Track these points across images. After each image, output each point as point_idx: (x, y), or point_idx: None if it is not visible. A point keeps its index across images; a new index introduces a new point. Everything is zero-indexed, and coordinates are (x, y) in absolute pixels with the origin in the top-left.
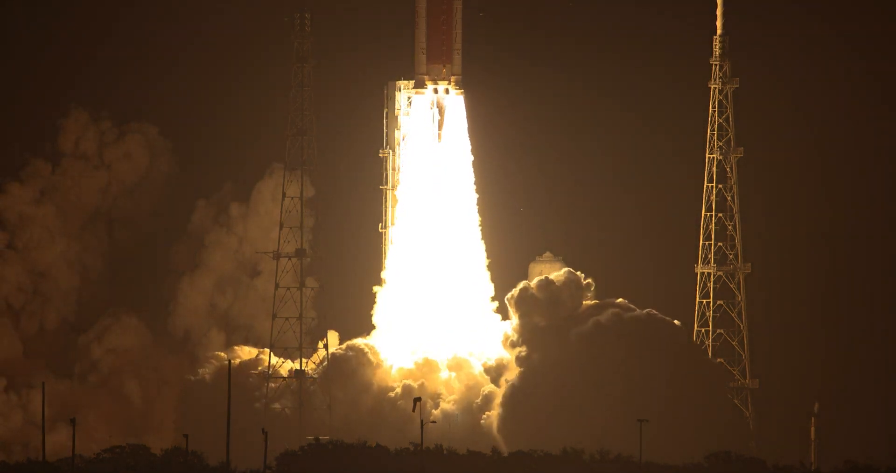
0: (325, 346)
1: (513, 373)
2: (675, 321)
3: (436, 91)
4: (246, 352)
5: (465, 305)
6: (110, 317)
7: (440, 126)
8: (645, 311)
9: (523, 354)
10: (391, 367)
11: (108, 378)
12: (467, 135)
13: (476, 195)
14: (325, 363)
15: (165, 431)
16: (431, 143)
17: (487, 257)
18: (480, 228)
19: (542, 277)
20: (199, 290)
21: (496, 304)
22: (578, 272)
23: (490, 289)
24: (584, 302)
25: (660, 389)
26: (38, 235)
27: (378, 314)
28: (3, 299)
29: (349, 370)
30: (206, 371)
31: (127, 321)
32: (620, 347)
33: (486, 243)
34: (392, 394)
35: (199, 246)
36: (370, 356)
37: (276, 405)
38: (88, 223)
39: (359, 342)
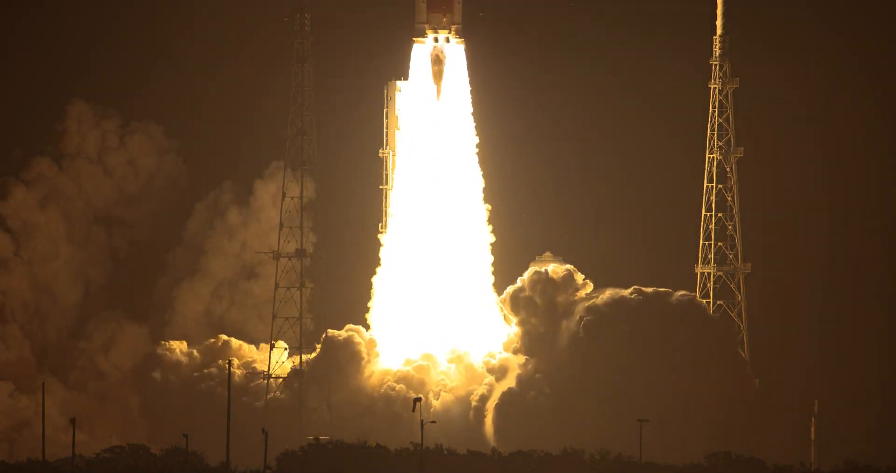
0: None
1: (513, 378)
2: (683, 293)
3: (436, 40)
4: (243, 347)
5: (464, 296)
6: (111, 322)
7: (439, 76)
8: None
9: (521, 362)
10: (387, 368)
11: (109, 386)
12: (468, 85)
13: (480, 173)
14: (324, 345)
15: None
16: (430, 97)
17: (491, 243)
18: (485, 203)
19: (542, 269)
20: (197, 296)
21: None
22: (579, 274)
23: (491, 277)
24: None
25: (664, 380)
26: (42, 245)
27: (375, 307)
28: (9, 311)
29: (348, 355)
30: (176, 349)
31: (129, 329)
32: (620, 329)
33: (487, 232)
34: (391, 382)
35: (198, 251)
36: (370, 344)
37: (278, 393)
38: (92, 228)
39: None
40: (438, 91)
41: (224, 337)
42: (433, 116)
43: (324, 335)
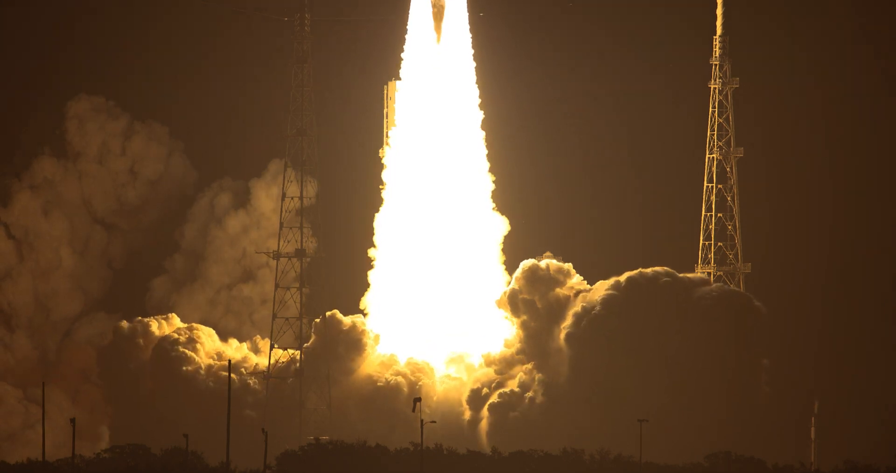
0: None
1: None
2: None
3: None
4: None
5: (464, 297)
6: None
7: (440, 19)
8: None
9: (527, 369)
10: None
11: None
12: (468, 28)
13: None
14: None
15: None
16: (430, 40)
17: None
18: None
19: (538, 263)
20: (195, 304)
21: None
22: (578, 277)
23: (502, 276)
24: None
25: (663, 378)
26: (46, 254)
27: (371, 310)
28: (15, 320)
29: (351, 341)
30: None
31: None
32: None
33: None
34: (392, 373)
35: (196, 257)
36: (376, 339)
37: (250, 412)
38: (95, 234)
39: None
40: (438, 35)
41: (236, 342)
42: (433, 59)
43: (323, 317)
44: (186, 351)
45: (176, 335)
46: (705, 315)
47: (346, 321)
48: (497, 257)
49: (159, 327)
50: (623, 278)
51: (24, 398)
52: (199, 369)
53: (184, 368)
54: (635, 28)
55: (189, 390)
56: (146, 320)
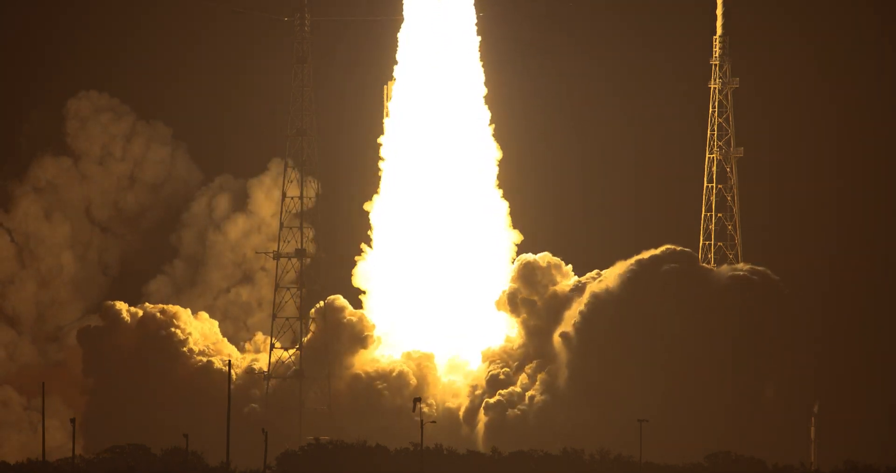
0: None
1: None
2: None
3: None
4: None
5: (465, 297)
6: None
7: None
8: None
9: (530, 372)
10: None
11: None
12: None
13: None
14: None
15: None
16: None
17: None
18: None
19: (533, 259)
20: (193, 307)
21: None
22: (576, 278)
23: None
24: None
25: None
26: (47, 260)
27: (371, 310)
28: (19, 325)
29: (356, 335)
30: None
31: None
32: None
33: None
34: (390, 365)
35: (195, 262)
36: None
37: (254, 405)
38: (94, 238)
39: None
40: None
41: (250, 348)
42: (435, 16)
43: (322, 303)
44: (179, 324)
45: (174, 311)
46: (723, 301)
47: (350, 308)
48: (500, 261)
49: (162, 312)
50: (611, 272)
51: (28, 407)
52: (194, 353)
53: (182, 349)
54: (635, 28)
55: (181, 373)
56: (150, 306)
